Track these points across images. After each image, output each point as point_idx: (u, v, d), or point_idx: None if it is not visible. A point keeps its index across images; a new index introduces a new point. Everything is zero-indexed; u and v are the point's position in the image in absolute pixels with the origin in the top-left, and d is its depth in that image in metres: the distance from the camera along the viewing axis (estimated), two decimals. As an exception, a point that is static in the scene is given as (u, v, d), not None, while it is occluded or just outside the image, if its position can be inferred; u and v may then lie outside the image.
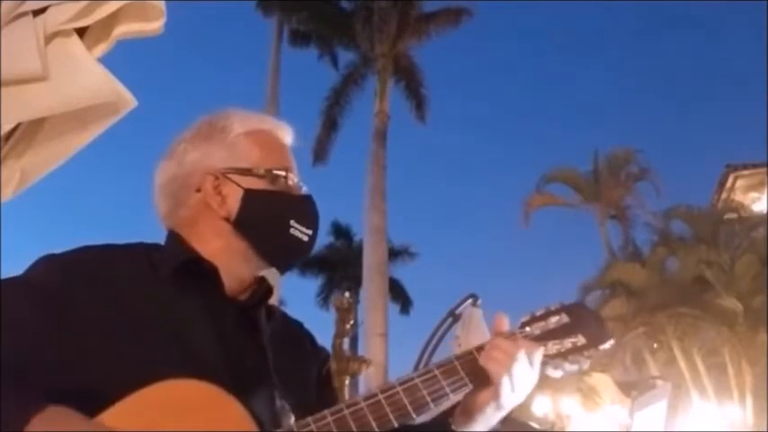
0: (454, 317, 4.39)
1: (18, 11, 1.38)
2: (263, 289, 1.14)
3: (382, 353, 14.20)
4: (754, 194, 17.42)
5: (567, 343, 1.10)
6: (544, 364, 1.09)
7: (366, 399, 0.98)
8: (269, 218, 1.12)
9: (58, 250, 1.05)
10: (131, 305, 0.99)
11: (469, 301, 4.47)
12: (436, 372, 1.04)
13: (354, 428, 0.95)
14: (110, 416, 0.87)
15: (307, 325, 1.27)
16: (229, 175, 1.11)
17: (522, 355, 1.04)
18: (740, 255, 12.28)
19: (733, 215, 13.79)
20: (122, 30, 1.52)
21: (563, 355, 1.10)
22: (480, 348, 1.08)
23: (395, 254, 21.54)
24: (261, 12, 18.54)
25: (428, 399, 1.01)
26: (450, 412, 1.12)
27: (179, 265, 1.05)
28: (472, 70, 50.94)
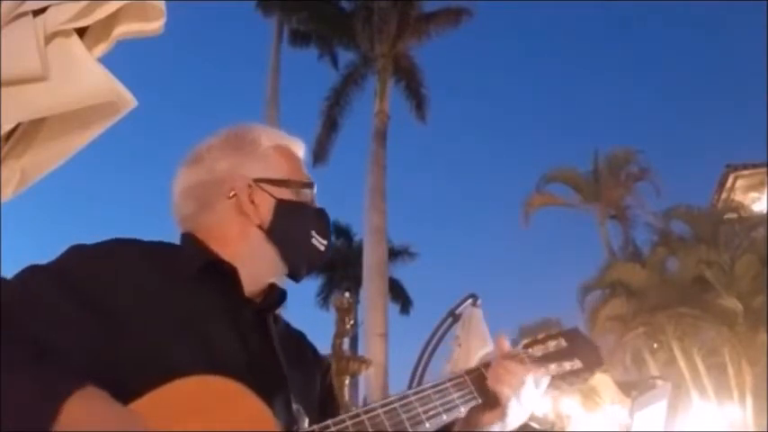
0: (454, 317, 4.40)
1: (18, 11, 1.38)
2: (276, 294, 1.18)
3: (382, 353, 14.20)
4: (754, 194, 17.43)
5: (566, 366, 1.21)
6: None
7: (383, 405, 1.04)
8: (296, 228, 1.18)
9: (56, 251, 1.05)
10: (157, 300, 1.01)
11: (469, 301, 4.48)
12: (448, 384, 1.12)
13: None
14: (138, 406, 0.88)
15: (307, 325, 1.29)
16: (262, 185, 1.17)
17: (530, 379, 1.14)
18: (740, 255, 12.30)
19: (733, 215, 13.81)
20: (122, 30, 1.52)
21: (562, 377, 1.21)
22: (487, 365, 1.16)
23: (395, 254, 21.56)
24: (261, 12, 18.58)
25: (441, 409, 1.08)
26: (448, 428, 1.16)
27: (204, 265, 1.08)
28: (472, 70, 51.03)
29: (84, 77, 1.41)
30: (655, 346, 13.84)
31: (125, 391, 0.87)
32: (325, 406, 1.16)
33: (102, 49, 1.52)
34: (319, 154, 17.41)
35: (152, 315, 0.98)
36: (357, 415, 1.01)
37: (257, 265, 1.14)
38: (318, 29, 18.46)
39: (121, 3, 1.44)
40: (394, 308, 21.05)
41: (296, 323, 1.27)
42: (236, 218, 1.15)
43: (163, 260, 1.08)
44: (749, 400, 11.47)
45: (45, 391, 0.81)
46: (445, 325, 4.36)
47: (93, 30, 1.49)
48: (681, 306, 12.21)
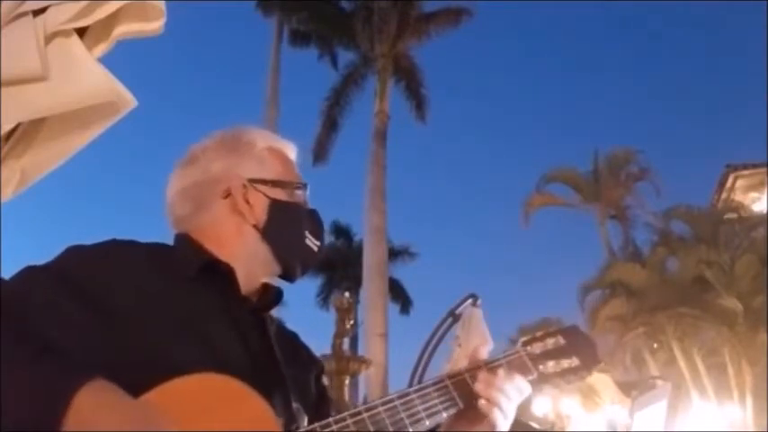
0: (454, 317, 4.39)
1: (18, 11, 1.38)
2: (272, 294, 1.19)
3: (382, 353, 14.21)
4: (754, 194, 17.44)
5: (564, 363, 1.23)
6: (543, 382, 1.21)
7: (384, 403, 1.05)
8: (290, 228, 1.19)
9: (56, 251, 1.05)
10: (156, 300, 1.01)
11: (469, 301, 4.47)
12: (447, 382, 1.13)
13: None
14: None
15: (307, 325, 1.30)
16: (257, 185, 1.18)
17: (513, 392, 1.14)
18: (740, 255, 12.30)
19: (733, 215, 13.81)
20: (122, 30, 1.52)
21: (559, 375, 1.22)
22: (472, 373, 1.15)
23: (395, 254, 21.56)
24: (261, 12, 18.58)
25: (440, 408, 1.09)
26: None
27: (203, 266, 1.09)
28: (472, 70, 51.01)
29: (84, 77, 1.41)
30: (655, 346, 13.84)
31: (126, 391, 0.87)
32: (319, 407, 1.16)
33: (102, 49, 1.52)
34: (319, 154, 17.43)
35: (152, 315, 0.98)
36: (358, 413, 1.02)
37: (252, 264, 1.15)
38: (318, 29, 18.47)
39: (121, 3, 1.44)
40: (394, 308, 21.09)
41: (296, 323, 1.29)
42: (231, 217, 1.16)
43: (161, 261, 1.09)
44: (749, 400, 11.47)
45: (53, 385, 0.81)
46: (445, 325, 4.35)
47: (93, 30, 1.49)
48: (681, 306, 12.21)
